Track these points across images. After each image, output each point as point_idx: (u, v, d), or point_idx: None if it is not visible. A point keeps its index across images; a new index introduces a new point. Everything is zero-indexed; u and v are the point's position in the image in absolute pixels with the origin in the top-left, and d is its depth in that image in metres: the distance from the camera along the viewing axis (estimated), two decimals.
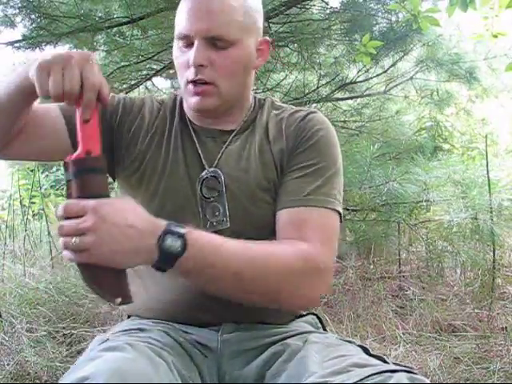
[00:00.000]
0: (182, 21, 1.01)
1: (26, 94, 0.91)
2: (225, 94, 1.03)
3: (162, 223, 0.83)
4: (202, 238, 0.86)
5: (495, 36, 2.58)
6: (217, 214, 1.02)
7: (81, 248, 0.78)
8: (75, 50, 3.47)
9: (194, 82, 1.01)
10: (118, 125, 1.08)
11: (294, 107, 1.14)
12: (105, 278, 0.82)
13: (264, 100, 1.15)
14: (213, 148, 1.07)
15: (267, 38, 1.08)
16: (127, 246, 0.80)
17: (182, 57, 1.02)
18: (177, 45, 1.04)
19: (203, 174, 1.04)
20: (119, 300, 0.82)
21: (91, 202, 0.79)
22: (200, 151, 1.06)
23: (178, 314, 1.01)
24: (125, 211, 0.81)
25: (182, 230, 0.83)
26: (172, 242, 0.81)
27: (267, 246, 0.93)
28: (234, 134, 1.08)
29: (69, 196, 0.81)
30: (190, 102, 1.03)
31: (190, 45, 1.01)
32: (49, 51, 0.89)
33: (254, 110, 1.12)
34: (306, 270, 0.91)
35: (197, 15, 1.00)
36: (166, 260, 0.82)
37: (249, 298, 0.91)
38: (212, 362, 0.98)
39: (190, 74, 1.00)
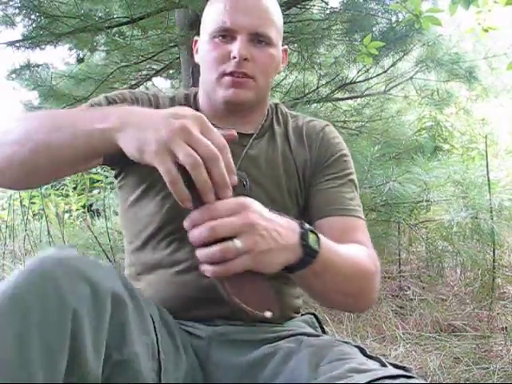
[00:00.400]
0: (222, 15, 1.02)
1: (97, 155, 0.82)
2: (260, 90, 1.04)
3: (292, 219, 0.80)
4: (323, 237, 0.82)
5: (486, 30, 2.58)
6: None
7: (244, 250, 0.70)
8: (75, 49, 3.48)
9: (232, 74, 1.01)
10: None
11: (305, 115, 1.17)
12: (255, 287, 0.72)
13: (276, 106, 1.17)
14: (234, 150, 1.00)
15: (285, 46, 1.12)
16: (280, 244, 0.74)
17: (218, 50, 1.02)
18: (209, 39, 1.03)
19: None
20: (269, 313, 0.71)
21: (243, 198, 0.73)
22: None
23: (175, 309, 1.01)
24: (264, 208, 0.76)
25: (310, 227, 0.80)
26: (313, 240, 0.78)
27: (348, 246, 0.92)
28: (253, 138, 1.09)
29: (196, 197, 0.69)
30: (225, 94, 1.02)
31: (229, 39, 1.02)
32: (128, 109, 0.82)
33: (269, 114, 1.14)
34: (377, 272, 0.94)
35: (243, 10, 1.01)
36: (308, 258, 0.78)
37: (337, 298, 0.91)
38: (195, 347, 0.98)
39: (231, 66, 1.00)
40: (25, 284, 0.68)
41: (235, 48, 1.00)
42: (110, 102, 1.03)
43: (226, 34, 1.02)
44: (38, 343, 0.66)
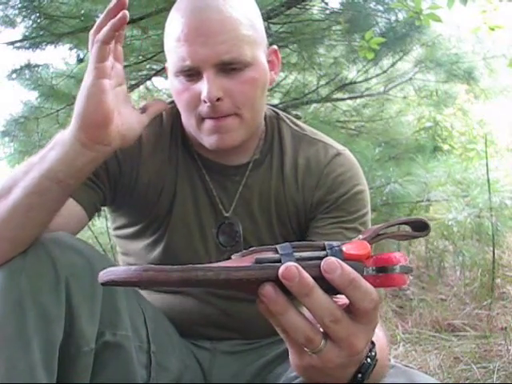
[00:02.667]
0: (179, 49, 0.85)
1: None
2: (250, 124, 0.90)
3: None
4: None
5: (492, 29, 2.60)
6: None
7: (319, 355, 0.51)
8: (75, 49, 3.47)
9: (211, 117, 0.87)
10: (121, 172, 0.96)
11: (311, 137, 1.01)
12: None
13: (277, 120, 1.02)
14: (229, 189, 0.97)
15: (274, 46, 0.96)
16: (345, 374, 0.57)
17: (188, 92, 0.87)
18: (176, 79, 0.88)
19: (219, 219, 0.96)
20: None
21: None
22: (215, 193, 0.96)
23: (181, 327, 1.01)
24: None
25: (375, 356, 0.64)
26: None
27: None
28: (249, 169, 0.97)
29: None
30: (209, 142, 0.89)
31: (195, 76, 0.86)
32: None
33: (268, 133, 1.00)
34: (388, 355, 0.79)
35: (199, 40, 0.83)
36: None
37: None
38: (199, 358, 0.99)
39: (205, 110, 0.86)
40: (20, 255, 0.71)
41: (204, 89, 0.84)
42: None
43: (190, 73, 0.86)
44: (34, 309, 0.67)
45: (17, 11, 2.87)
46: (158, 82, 4.61)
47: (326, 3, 3.35)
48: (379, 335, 0.72)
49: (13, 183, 0.75)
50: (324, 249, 0.52)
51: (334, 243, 0.53)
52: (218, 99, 0.84)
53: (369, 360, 0.57)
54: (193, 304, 0.98)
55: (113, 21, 0.71)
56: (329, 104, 3.90)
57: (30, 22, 2.86)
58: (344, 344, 0.50)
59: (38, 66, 3.29)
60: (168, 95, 4.24)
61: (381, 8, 3.31)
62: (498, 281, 2.75)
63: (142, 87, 3.93)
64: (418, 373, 0.78)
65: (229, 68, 0.85)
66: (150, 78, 3.76)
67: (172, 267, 0.47)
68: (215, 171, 0.97)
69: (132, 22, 2.97)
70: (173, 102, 1.00)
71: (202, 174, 0.96)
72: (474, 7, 2.34)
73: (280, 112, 1.04)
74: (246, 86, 0.87)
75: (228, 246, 0.96)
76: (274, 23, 3.10)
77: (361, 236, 0.57)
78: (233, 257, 0.53)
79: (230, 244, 0.96)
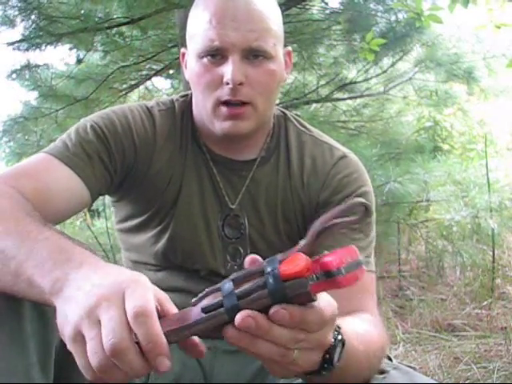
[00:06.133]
0: (208, 31, 0.88)
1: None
2: (261, 115, 0.93)
3: None
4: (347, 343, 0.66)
5: (498, 27, 2.61)
6: (237, 259, 0.95)
7: (297, 362, 0.58)
8: (75, 50, 3.47)
9: (227, 103, 0.89)
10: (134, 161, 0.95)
11: (316, 135, 1.03)
12: None
13: (285, 119, 1.03)
14: (235, 183, 0.97)
15: (289, 48, 0.99)
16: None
17: (210, 73, 0.89)
18: (197, 59, 0.90)
19: (225, 211, 0.96)
20: None
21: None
22: (221, 185, 0.97)
23: None
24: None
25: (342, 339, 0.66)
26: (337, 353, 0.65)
27: (358, 328, 0.74)
28: (256, 165, 0.98)
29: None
30: (222, 127, 0.91)
31: (220, 59, 0.88)
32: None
33: (275, 131, 1.01)
34: (385, 346, 0.81)
35: (232, 23, 0.87)
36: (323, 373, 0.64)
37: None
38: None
39: (225, 93, 0.88)
40: None
41: (227, 72, 0.87)
42: (99, 134, 0.91)
43: (215, 54, 0.88)
44: (31, 311, 0.67)
45: (16, 12, 2.87)
46: (157, 82, 4.62)
47: (326, 3, 3.35)
48: (369, 330, 0.77)
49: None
50: (263, 273, 0.54)
51: (269, 268, 0.53)
52: (240, 83, 0.87)
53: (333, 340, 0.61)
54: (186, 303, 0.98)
55: None
56: (329, 104, 3.90)
57: (30, 23, 2.86)
58: (314, 349, 0.57)
59: (37, 66, 3.30)
60: (168, 95, 4.24)
61: (381, 8, 3.31)
62: (498, 281, 2.75)
63: (141, 87, 3.94)
64: (420, 375, 0.78)
65: (253, 56, 0.89)
66: (149, 78, 3.76)
67: None
68: (223, 165, 0.97)
69: (132, 22, 2.97)
70: (184, 95, 1.02)
71: (209, 167, 0.97)
72: (479, 6, 2.34)
73: (287, 112, 1.06)
74: (267, 76, 0.90)
75: (233, 238, 0.96)
76: None
77: (302, 242, 0.55)
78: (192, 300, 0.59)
79: (235, 236, 0.96)
